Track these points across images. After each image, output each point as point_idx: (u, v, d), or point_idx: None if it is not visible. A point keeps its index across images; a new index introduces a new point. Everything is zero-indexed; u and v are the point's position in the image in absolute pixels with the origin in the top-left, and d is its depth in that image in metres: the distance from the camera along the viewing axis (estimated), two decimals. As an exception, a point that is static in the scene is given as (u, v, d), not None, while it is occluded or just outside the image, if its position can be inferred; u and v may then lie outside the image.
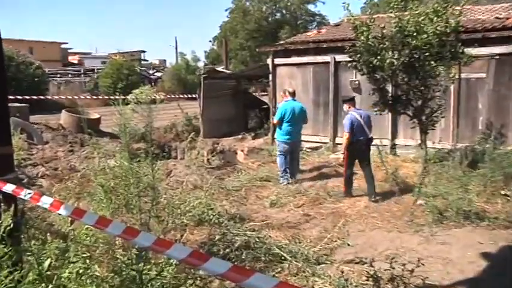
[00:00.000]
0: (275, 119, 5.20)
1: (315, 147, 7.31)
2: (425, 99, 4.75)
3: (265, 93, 13.58)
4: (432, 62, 4.47)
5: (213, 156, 7.35)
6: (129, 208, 2.83)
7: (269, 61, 8.15)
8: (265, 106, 10.52)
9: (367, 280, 2.29)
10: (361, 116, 4.47)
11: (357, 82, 7.01)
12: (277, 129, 5.20)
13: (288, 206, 4.18)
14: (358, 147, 4.45)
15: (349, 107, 4.57)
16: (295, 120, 5.09)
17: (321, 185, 4.86)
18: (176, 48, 30.93)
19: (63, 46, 28.70)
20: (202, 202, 3.49)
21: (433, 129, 5.03)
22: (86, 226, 2.22)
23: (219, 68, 9.69)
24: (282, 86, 7.39)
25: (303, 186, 4.75)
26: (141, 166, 2.92)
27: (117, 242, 2.32)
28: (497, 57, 5.56)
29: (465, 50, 4.68)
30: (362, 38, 4.69)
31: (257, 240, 2.88)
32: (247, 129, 9.89)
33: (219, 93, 9.80)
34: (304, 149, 7.15)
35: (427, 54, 4.46)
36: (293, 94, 5.20)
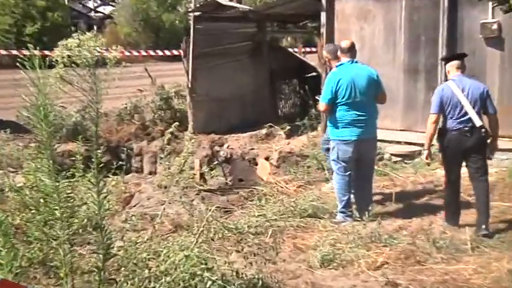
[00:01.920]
0: (320, 102, 5.38)
1: (407, 153, 7.34)
2: None
3: (313, 49, 13.64)
4: None
5: (211, 170, 7.46)
6: (51, 267, 2.86)
7: (321, -12, 8.31)
8: (313, 74, 10.51)
9: None
10: (463, 90, 4.75)
11: (495, 27, 6.87)
12: (328, 120, 5.39)
13: (355, 266, 4.24)
14: (455, 142, 4.78)
15: (451, 71, 4.95)
16: (360, 101, 5.21)
17: (420, 226, 5.00)
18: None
19: None
20: (191, 256, 3.48)
21: None
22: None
23: (225, 0, 9.58)
24: (346, 35, 7.41)
25: (385, 229, 4.90)
26: (76, 187, 3.00)
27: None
28: None
29: None
30: None
31: None
32: (277, 119, 9.96)
33: (224, 49, 9.83)
34: (384, 156, 7.14)
35: None
36: (350, 51, 5.31)
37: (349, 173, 5.27)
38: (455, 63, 4.99)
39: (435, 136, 4.96)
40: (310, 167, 7.42)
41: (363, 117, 5.19)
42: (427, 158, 5.06)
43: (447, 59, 5.23)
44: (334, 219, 5.21)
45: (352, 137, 5.19)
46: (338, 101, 5.18)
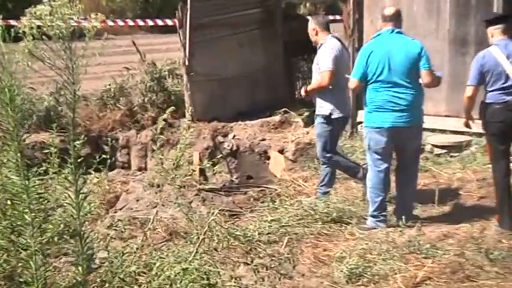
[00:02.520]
0: (351, 79, 5.44)
1: (452, 144, 7.34)
2: None
3: (337, 17, 13.53)
4: None
5: (213, 165, 7.45)
6: (19, 284, 2.89)
7: None
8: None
9: None
10: (509, 56, 4.89)
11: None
12: (365, 105, 5.44)
13: (389, 282, 4.24)
14: (500, 118, 4.98)
15: (495, 35, 5.07)
16: (396, 81, 5.24)
17: (470, 233, 5.02)
18: None
19: None
20: (189, 270, 3.48)
21: None
22: None
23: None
24: (378, 0, 7.39)
25: (426, 237, 4.92)
26: (50, 186, 3.01)
27: None
28: None
29: None
30: None
31: None
32: (293, 103, 9.97)
33: (229, 18, 9.83)
34: (425, 147, 7.11)
35: None
36: (394, 20, 5.35)
37: (384, 167, 5.30)
38: (500, 26, 5.03)
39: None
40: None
41: (400, 101, 5.19)
42: (467, 125, 5.28)
43: (491, 22, 5.23)
44: (364, 225, 5.22)
45: (385, 123, 5.22)
46: (369, 78, 5.23)
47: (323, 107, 5.83)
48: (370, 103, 5.30)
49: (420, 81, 5.26)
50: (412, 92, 5.22)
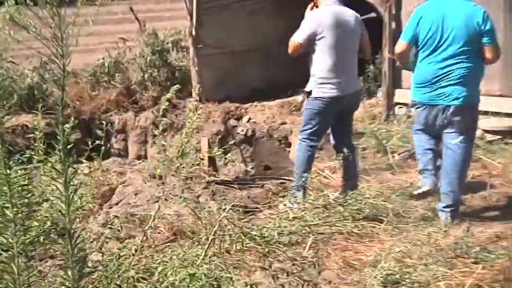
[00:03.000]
0: (399, 40, 5.57)
1: (507, 128, 7.47)
2: None
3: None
4: None
5: (224, 153, 7.44)
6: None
7: None
8: (371, 16, 10.35)
9: None
10: None
11: None
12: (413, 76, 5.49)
13: None
14: None
15: None
16: (449, 51, 5.27)
17: None
18: None
19: None
20: (197, 275, 3.49)
21: None
22: None
23: None
24: None
25: (475, 238, 4.91)
26: (35, 177, 2.99)
27: None
28: None
29: None
30: None
31: None
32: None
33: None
34: (477, 133, 7.07)
35: None
36: None
37: (427, 149, 5.53)
38: None
39: None
40: (366, 148, 7.41)
41: (451, 75, 5.22)
42: None
43: None
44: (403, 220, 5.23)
45: (428, 100, 5.29)
46: (419, 45, 5.32)
47: (309, 81, 5.98)
48: (417, 75, 5.37)
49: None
50: (467, 66, 5.22)
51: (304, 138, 5.93)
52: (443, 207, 5.35)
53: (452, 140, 5.37)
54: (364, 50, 5.99)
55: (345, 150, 5.81)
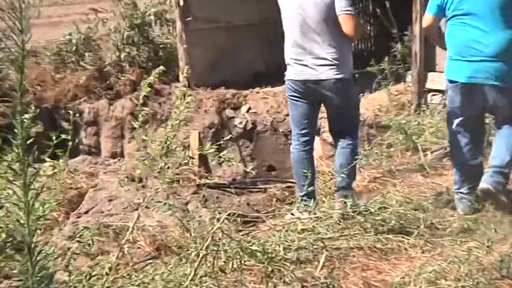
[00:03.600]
0: (424, 17, 5.83)
1: None
2: None
3: None
4: None
5: (219, 150, 7.43)
6: None
7: None
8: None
9: None
10: None
11: None
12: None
13: None
14: None
15: None
16: (485, 21, 5.35)
17: None
18: None
19: None
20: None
21: None
22: None
23: None
24: None
25: None
26: None
27: None
28: None
29: None
30: None
31: None
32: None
33: None
34: None
35: None
36: None
37: (462, 137, 5.59)
38: None
39: None
40: (392, 145, 7.41)
41: (484, 47, 5.26)
42: None
43: None
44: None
45: (461, 77, 5.37)
46: (447, 12, 5.43)
47: None
48: (448, 47, 5.49)
49: None
50: (503, 36, 5.26)
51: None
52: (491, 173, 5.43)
53: (497, 124, 5.54)
54: (347, 28, 5.94)
55: (339, 146, 6.01)
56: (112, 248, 4.95)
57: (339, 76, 5.84)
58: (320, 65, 5.84)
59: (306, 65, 5.86)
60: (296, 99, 5.98)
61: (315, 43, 5.84)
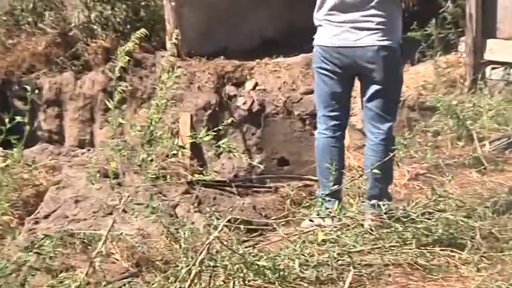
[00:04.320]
0: None
1: None
2: None
3: None
4: None
5: (216, 138, 7.46)
6: None
7: None
8: None
9: None
10: None
11: None
12: None
13: None
14: None
15: None
16: None
17: None
18: None
19: None
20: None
21: None
22: None
23: None
24: None
25: None
26: None
27: None
28: None
29: None
30: None
31: None
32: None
33: None
34: None
35: None
36: None
37: None
38: None
39: None
40: (440, 133, 7.41)
41: None
42: None
43: None
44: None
45: None
46: None
47: None
48: None
49: None
50: None
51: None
52: None
53: None
54: None
55: (371, 139, 5.97)
56: (80, 263, 4.96)
57: (384, 43, 5.86)
58: (361, 29, 5.85)
59: (342, 27, 5.86)
60: (326, 71, 5.96)
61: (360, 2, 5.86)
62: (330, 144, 6.02)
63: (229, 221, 4.93)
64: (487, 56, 8.42)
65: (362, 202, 5.95)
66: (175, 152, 5.99)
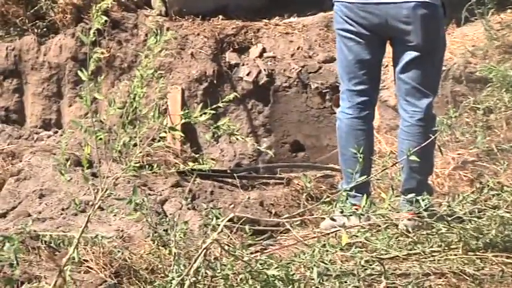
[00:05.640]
0: None
1: None
2: None
3: None
4: None
5: (214, 119, 7.50)
6: None
7: None
8: None
9: None
10: None
11: None
12: None
13: None
14: None
15: None
16: None
17: None
18: None
19: None
20: None
21: None
22: None
23: None
24: None
25: None
26: None
27: None
28: None
29: None
30: None
31: None
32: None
33: None
34: None
35: None
36: None
37: None
38: None
39: None
40: (492, 111, 7.43)
41: None
42: None
43: None
44: None
45: None
46: None
47: None
48: None
49: None
50: None
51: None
52: None
53: None
54: None
55: (406, 119, 5.96)
56: (46, 272, 4.99)
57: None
58: None
59: None
60: (350, 34, 5.97)
61: None
62: (355, 125, 6.00)
63: (230, 220, 4.97)
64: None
65: (396, 197, 5.96)
66: (163, 134, 6.01)
